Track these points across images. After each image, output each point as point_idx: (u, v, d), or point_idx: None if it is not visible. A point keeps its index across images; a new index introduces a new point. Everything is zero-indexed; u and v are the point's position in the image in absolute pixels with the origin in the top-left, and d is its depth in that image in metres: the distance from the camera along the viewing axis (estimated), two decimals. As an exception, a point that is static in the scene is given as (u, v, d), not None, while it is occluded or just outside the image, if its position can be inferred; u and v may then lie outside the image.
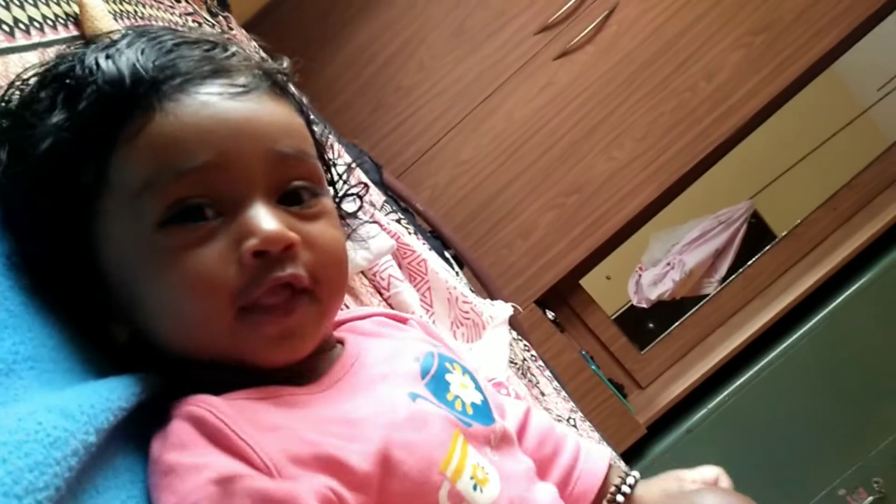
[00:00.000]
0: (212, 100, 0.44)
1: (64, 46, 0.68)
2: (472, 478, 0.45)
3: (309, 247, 0.46)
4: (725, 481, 0.59)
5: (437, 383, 0.51)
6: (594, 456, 0.62)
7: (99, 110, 0.44)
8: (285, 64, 0.53)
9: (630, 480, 0.59)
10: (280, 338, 0.45)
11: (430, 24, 1.99)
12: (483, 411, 0.52)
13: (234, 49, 0.49)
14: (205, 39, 0.49)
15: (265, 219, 0.44)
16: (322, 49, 1.95)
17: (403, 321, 0.62)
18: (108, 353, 0.47)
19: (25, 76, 0.49)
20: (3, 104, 0.48)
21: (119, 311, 0.46)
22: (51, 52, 0.69)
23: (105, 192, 0.44)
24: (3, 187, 0.46)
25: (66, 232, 0.45)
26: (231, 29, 1.41)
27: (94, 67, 0.44)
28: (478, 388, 0.54)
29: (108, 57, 0.45)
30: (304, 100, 0.54)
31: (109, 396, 0.39)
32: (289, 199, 0.47)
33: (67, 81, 0.45)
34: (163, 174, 0.43)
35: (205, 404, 0.42)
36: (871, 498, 1.80)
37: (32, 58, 0.66)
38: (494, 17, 1.97)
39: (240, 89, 0.46)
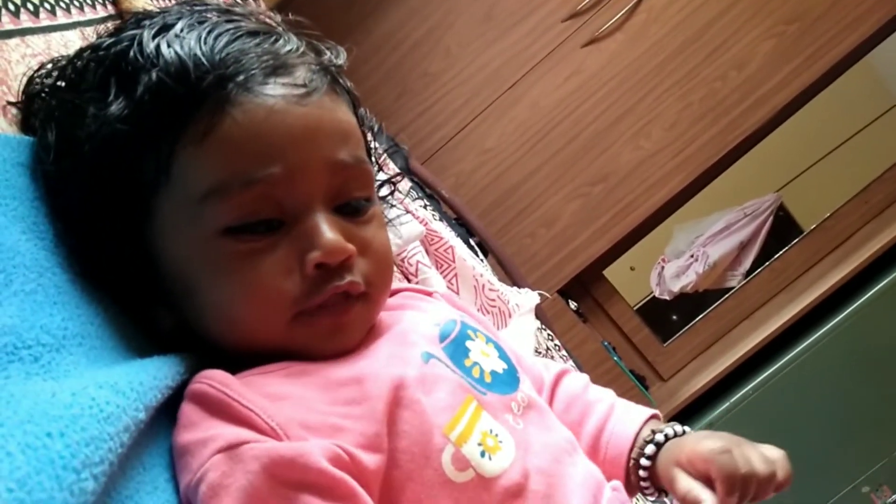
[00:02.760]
0: (278, 105, 0.44)
1: (105, 25, 0.68)
2: (479, 444, 0.45)
3: (364, 253, 0.48)
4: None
5: (456, 348, 0.50)
6: (625, 418, 0.58)
7: (161, 104, 0.43)
8: (341, 57, 0.53)
9: (649, 451, 0.53)
10: (332, 333, 0.47)
11: (457, 10, 1.98)
12: (505, 380, 0.51)
13: (292, 40, 0.49)
14: (263, 29, 0.48)
15: (326, 231, 0.45)
16: (348, 35, 1.95)
17: (429, 294, 0.62)
18: (150, 335, 0.48)
19: (70, 54, 0.49)
20: (49, 82, 0.48)
21: (169, 300, 0.47)
22: (89, 31, 0.69)
23: (165, 188, 0.44)
24: (51, 170, 0.45)
25: (118, 221, 0.45)
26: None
27: (154, 55, 0.44)
28: (502, 356, 0.53)
29: (168, 44, 0.44)
30: (354, 90, 0.54)
31: (157, 375, 0.39)
32: (346, 207, 0.48)
33: (122, 66, 0.44)
34: (230, 182, 0.43)
35: (206, 379, 0.43)
36: (895, 496, 1.78)
37: (72, 36, 0.66)
38: (522, 4, 1.95)
39: (302, 90, 0.46)
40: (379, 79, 1.99)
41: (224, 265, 0.44)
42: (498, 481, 0.44)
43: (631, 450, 0.55)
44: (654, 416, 0.58)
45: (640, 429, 0.56)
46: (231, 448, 0.38)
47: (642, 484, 0.55)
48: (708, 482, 0.49)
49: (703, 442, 0.50)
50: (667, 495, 0.56)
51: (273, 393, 0.42)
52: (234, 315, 0.45)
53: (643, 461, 0.54)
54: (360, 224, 0.49)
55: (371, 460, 0.41)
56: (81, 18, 0.70)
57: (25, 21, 0.61)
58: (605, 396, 0.61)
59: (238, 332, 0.46)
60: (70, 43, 0.64)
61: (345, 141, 0.48)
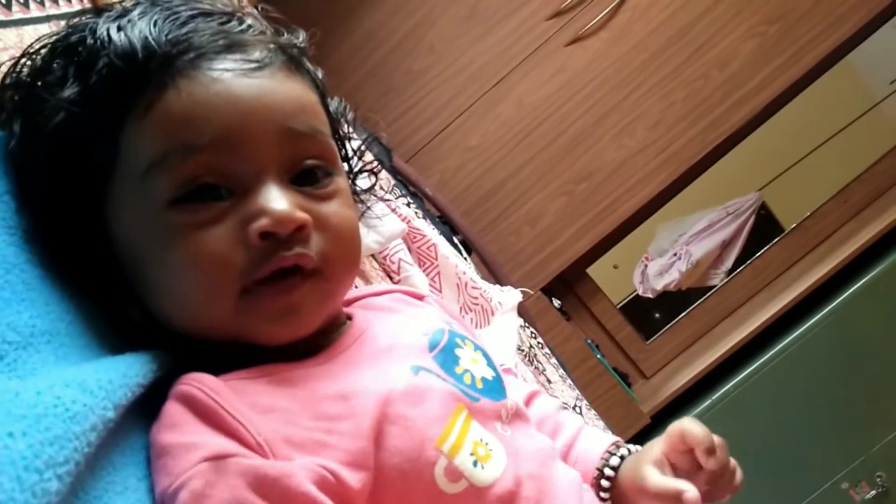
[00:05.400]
0: (224, 76, 0.44)
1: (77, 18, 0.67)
2: (471, 454, 0.44)
3: (321, 227, 0.45)
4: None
5: (446, 356, 0.50)
6: (594, 437, 0.59)
7: (110, 85, 0.43)
8: (301, 38, 0.52)
9: (613, 462, 0.55)
10: (281, 314, 0.44)
11: (440, 8, 1.97)
12: (494, 387, 0.51)
13: (249, 22, 0.48)
14: (220, 10, 0.47)
15: (276, 199, 0.43)
16: (331, 32, 1.93)
17: (420, 298, 0.62)
18: (122, 331, 0.47)
19: (37, 46, 0.48)
20: (15, 75, 0.48)
21: (131, 287, 0.46)
22: (63, 25, 0.68)
23: (115, 169, 0.44)
24: (18, 160, 0.45)
25: (79, 209, 0.44)
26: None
27: (106, 40, 0.43)
28: (490, 364, 0.53)
29: (119, 29, 0.44)
30: (320, 74, 0.53)
31: (127, 373, 0.39)
32: (302, 179, 0.46)
33: (79, 53, 0.44)
34: (172, 152, 0.42)
35: (196, 383, 0.42)
36: (873, 492, 1.80)
37: (46, 29, 0.65)
38: (506, 2, 1.95)
39: (254, 65, 0.45)
40: (363, 76, 1.98)
41: (169, 239, 0.42)
42: (491, 490, 0.44)
43: (597, 470, 0.56)
44: (617, 443, 0.59)
45: (608, 448, 0.57)
46: (217, 458, 0.38)
47: (602, 496, 0.54)
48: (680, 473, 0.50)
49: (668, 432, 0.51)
50: None
51: (259, 404, 0.42)
52: (180, 291, 0.43)
53: (607, 471, 0.54)
54: (320, 198, 0.46)
55: (356, 479, 0.40)
56: (55, 12, 0.69)
57: (-3, 13, 0.60)
58: (575, 419, 0.63)
59: (187, 313, 0.44)
60: (42, 36, 0.63)
61: (299, 111, 0.46)
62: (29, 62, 0.47)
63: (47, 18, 0.66)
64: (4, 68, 0.50)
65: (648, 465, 0.51)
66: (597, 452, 0.57)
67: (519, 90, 1.96)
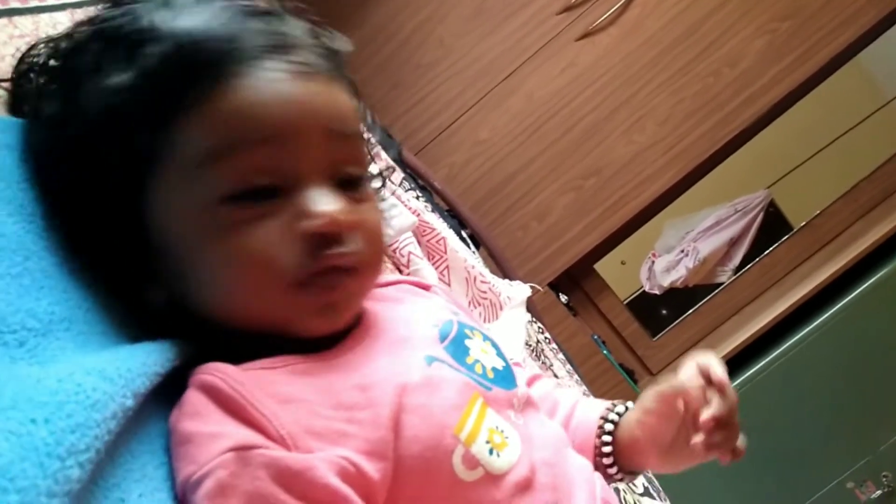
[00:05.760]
0: (280, 78, 0.45)
1: (95, 7, 0.67)
2: (487, 441, 0.45)
3: (358, 229, 0.47)
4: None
5: (457, 347, 0.50)
6: (590, 405, 0.62)
7: (163, 74, 0.43)
8: (342, 42, 0.53)
9: (612, 417, 0.59)
10: (323, 309, 0.46)
11: (450, 2, 1.96)
12: (505, 376, 0.52)
13: (297, 23, 0.49)
14: (266, 10, 0.48)
15: (324, 200, 0.45)
16: (341, 25, 1.91)
17: (427, 288, 0.62)
18: (139, 318, 0.47)
19: (54, 33, 0.48)
20: (38, 61, 0.48)
21: (161, 275, 0.46)
22: (79, 13, 0.68)
23: (163, 157, 0.44)
24: (46, 146, 0.45)
25: (110, 194, 0.44)
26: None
27: (159, 29, 0.43)
28: (499, 354, 0.54)
29: (172, 18, 0.44)
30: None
31: (146, 361, 0.39)
32: (342, 182, 0.48)
33: (124, 39, 0.44)
34: (228, 147, 0.43)
35: (219, 373, 0.42)
36: (879, 492, 1.79)
37: (62, 17, 0.65)
38: (516, -4, 1.94)
39: (303, 67, 0.46)
40: (372, 70, 1.98)
41: (221, 233, 0.43)
42: (507, 477, 0.45)
43: (598, 429, 0.59)
44: (612, 405, 0.62)
45: (602, 413, 0.60)
46: (242, 449, 0.38)
47: (605, 461, 0.58)
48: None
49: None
50: (634, 476, 0.60)
51: (280, 394, 0.42)
52: (229, 284, 0.45)
53: (607, 426, 0.58)
54: (356, 201, 0.48)
55: (375, 469, 0.41)
56: (71, 0, 0.69)
57: (13, 2, 0.60)
58: (571, 393, 0.65)
59: (233, 303, 0.45)
60: (59, 24, 0.63)
61: (345, 116, 0.48)
62: (54, 48, 0.47)
63: (63, 7, 0.66)
64: (18, 54, 0.50)
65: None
66: (593, 417, 0.60)
67: (529, 85, 1.96)
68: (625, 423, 0.58)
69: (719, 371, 0.55)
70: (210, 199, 0.43)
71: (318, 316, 0.46)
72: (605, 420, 0.59)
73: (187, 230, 0.44)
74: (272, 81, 0.44)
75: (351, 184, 0.48)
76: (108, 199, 0.44)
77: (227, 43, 0.44)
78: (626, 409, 0.60)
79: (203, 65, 0.43)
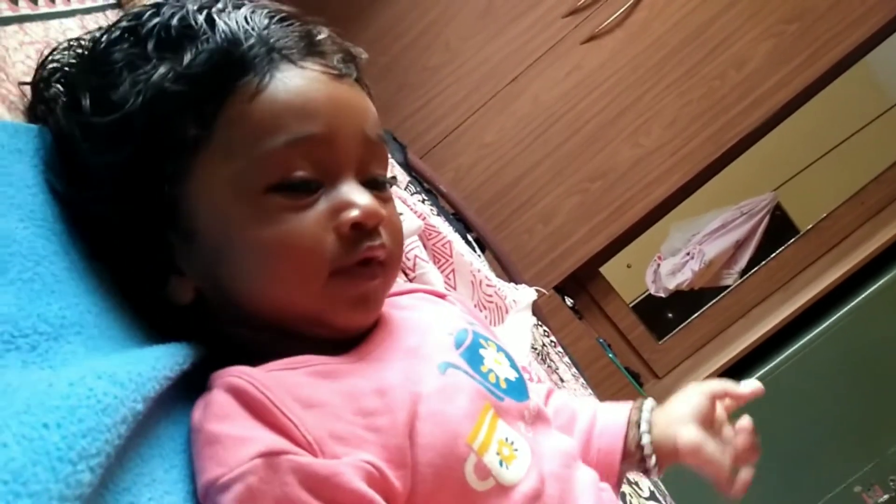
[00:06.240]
0: (319, 76, 0.47)
1: (103, 13, 0.68)
2: (497, 453, 0.45)
3: (386, 226, 0.49)
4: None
5: (472, 355, 0.51)
6: (613, 410, 0.62)
7: (214, 67, 0.45)
8: (362, 54, 0.55)
9: (644, 427, 0.59)
10: (357, 302, 0.48)
11: (457, 4, 1.97)
12: (517, 387, 0.52)
13: (324, 30, 0.52)
14: (300, 16, 0.51)
15: (362, 195, 0.47)
16: (347, 28, 1.92)
17: (442, 297, 0.63)
18: (152, 321, 0.48)
19: (63, 41, 0.49)
20: (57, 64, 0.48)
21: (192, 267, 0.47)
22: (89, 20, 0.69)
23: (207, 147, 0.45)
24: (67, 142, 0.46)
25: (148, 184, 0.45)
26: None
27: (206, 24, 0.46)
28: (513, 365, 0.54)
29: (217, 16, 0.46)
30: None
31: (156, 365, 0.39)
32: (371, 183, 0.50)
33: (169, 34, 0.46)
34: (275, 139, 0.45)
35: (247, 376, 0.42)
36: (886, 496, 1.79)
37: (71, 24, 0.65)
38: (522, -1, 1.95)
39: (337, 71, 0.49)
40: (378, 72, 1.98)
41: (264, 221, 0.45)
42: (517, 488, 0.45)
43: (626, 434, 0.59)
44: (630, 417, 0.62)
45: (629, 413, 0.61)
46: (271, 455, 0.39)
47: (646, 453, 0.58)
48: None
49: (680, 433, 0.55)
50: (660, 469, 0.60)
51: (305, 397, 0.42)
52: (270, 270, 0.46)
53: (643, 425, 0.59)
54: (383, 200, 0.50)
55: (396, 477, 0.41)
56: (80, 7, 0.69)
57: (24, 8, 0.60)
58: (589, 405, 0.65)
59: (271, 291, 0.46)
60: (69, 31, 0.64)
61: (373, 120, 0.51)
62: (78, 49, 0.49)
63: (73, 13, 0.66)
64: (29, 60, 0.50)
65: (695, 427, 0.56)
66: (620, 420, 0.60)
67: (534, 88, 1.96)
68: (661, 411, 0.60)
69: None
70: (256, 186, 0.45)
71: (351, 308, 0.47)
72: (637, 421, 0.60)
73: (231, 217, 0.45)
74: (315, 80, 0.47)
75: (377, 185, 0.50)
76: (145, 189, 0.45)
77: (272, 41, 0.46)
78: (648, 417, 0.60)
79: (250, 60, 0.45)
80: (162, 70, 0.44)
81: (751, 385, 0.59)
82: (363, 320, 0.49)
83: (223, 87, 0.45)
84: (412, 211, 1.14)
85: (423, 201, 1.31)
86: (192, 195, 0.46)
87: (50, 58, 0.50)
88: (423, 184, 1.49)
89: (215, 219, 0.46)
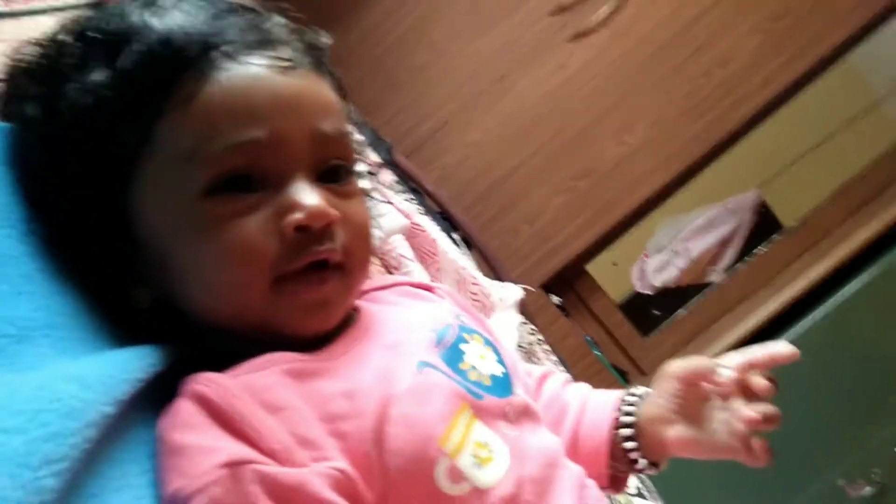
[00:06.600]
0: (262, 73, 0.45)
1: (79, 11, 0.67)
2: (473, 455, 0.44)
3: (344, 223, 0.47)
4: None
5: (452, 352, 0.49)
6: (598, 408, 0.60)
7: (147, 70, 0.43)
8: (323, 39, 0.53)
9: (631, 401, 0.58)
10: (313, 307, 0.46)
11: (442, 3, 1.96)
12: (501, 383, 0.50)
13: (275, 20, 0.49)
14: (248, 6, 0.49)
15: (309, 195, 0.44)
16: (333, 26, 1.92)
17: (430, 289, 0.61)
18: (123, 322, 0.47)
19: (38, 36, 0.48)
20: (23, 63, 0.47)
21: (145, 275, 0.46)
22: (64, 18, 0.68)
23: (147, 154, 0.44)
24: (29, 146, 0.45)
25: (94, 193, 0.44)
26: None
27: (141, 25, 0.44)
28: (500, 360, 0.53)
29: (153, 15, 0.44)
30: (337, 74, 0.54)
31: (127, 367, 0.38)
32: (327, 176, 0.47)
33: (106, 37, 0.44)
34: (213, 144, 0.43)
35: (213, 384, 0.41)
36: (869, 489, 1.80)
37: (46, 21, 0.64)
38: (508, -3, 1.94)
39: (287, 64, 0.46)
40: (364, 71, 1.97)
41: (203, 228, 0.43)
42: (493, 492, 0.44)
43: (613, 422, 0.58)
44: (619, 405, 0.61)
45: (613, 413, 0.59)
46: (235, 465, 0.38)
47: (628, 446, 0.57)
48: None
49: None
50: (657, 467, 0.59)
51: (272, 402, 0.41)
52: (211, 279, 0.44)
53: (628, 402, 0.58)
54: (342, 195, 0.48)
55: (366, 483, 0.41)
56: (56, 4, 0.68)
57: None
58: (579, 393, 0.63)
59: (217, 300, 0.45)
60: (43, 28, 0.63)
61: (329, 113, 0.48)
62: (42, 49, 0.47)
63: (46, 10, 0.65)
64: (1, 58, 0.49)
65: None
66: (607, 414, 0.59)
67: (521, 86, 1.96)
68: (646, 407, 0.58)
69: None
70: (192, 193, 0.43)
71: (306, 314, 0.46)
72: (622, 412, 0.58)
73: (171, 226, 0.44)
74: (254, 76, 0.44)
75: (336, 178, 0.48)
76: (92, 198, 0.44)
77: (209, 39, 0.44)
78: (637, 403, 0.59)
79: (185, 61, 0.43)
80: (99, 76, 0.43)
81: (726, 372, 0.58)
82: (320, 325, 0.47)
83: (160, 90, 0.43)
84: (398, 209, 1.13)
85: (409, 200, 1.30)
86: (136, 204, 0.45)
87: (15, 57, 0.49)
88: (408, 183, 1.49)
89: (158, 228, 0.44)
